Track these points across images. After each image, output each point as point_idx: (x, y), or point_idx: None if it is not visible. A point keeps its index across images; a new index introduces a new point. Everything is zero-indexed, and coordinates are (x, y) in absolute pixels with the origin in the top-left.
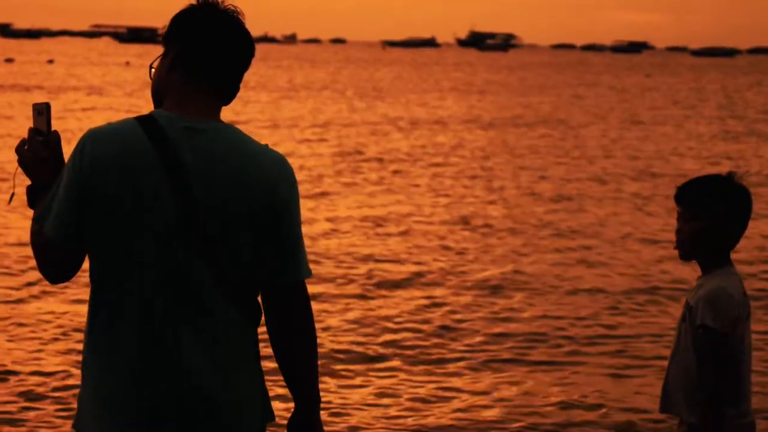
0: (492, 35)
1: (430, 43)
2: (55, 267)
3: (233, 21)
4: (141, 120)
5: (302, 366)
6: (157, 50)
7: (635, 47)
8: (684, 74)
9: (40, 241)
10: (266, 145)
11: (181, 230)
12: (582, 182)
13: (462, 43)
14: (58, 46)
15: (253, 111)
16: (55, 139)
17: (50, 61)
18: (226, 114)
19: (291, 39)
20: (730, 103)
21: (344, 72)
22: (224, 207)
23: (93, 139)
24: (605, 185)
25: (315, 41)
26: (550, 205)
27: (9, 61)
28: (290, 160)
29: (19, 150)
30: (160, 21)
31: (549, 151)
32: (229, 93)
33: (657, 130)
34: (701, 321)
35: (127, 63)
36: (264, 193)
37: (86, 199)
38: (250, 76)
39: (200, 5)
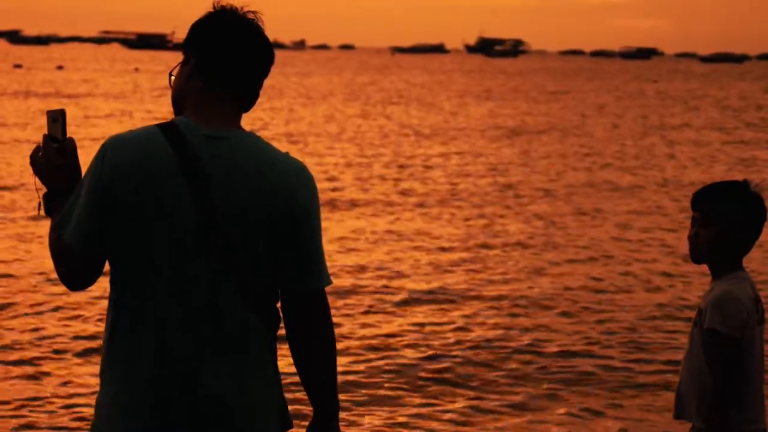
0: (501, 41)
1: (439, 49)
2: (74, 274)
3: (251, 27)
4: (162, 127)
5: (320, 373)
6: (167, 56)
7: (644, 53)
8: (696, 80)
9: (59, 248)
10: (287, 153)
11: (201, 237)
12: (601, 190)
13: (470, 49)
14: (67, 52)
15: (269, 117)
16: (70, 145)
17: (60, 67)
18: (243, 120)
19: (300, 45)
20: (744, 110)
21: (357, 79)
22: (244, 215)
23: (114, 146)
24: (622, 192)
25: (324, 47)
26: (572, 215)
27: (17, 66)
28: (310, 168)
29: (33, 157)
30: (169, 27)
31: (567, 158)
32: (248, 100)
33: (674, 136)
34: (709, 325)
35: (136, 69)
36: (283, 200)
37: (107, 205)
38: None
39: (219, 12)
